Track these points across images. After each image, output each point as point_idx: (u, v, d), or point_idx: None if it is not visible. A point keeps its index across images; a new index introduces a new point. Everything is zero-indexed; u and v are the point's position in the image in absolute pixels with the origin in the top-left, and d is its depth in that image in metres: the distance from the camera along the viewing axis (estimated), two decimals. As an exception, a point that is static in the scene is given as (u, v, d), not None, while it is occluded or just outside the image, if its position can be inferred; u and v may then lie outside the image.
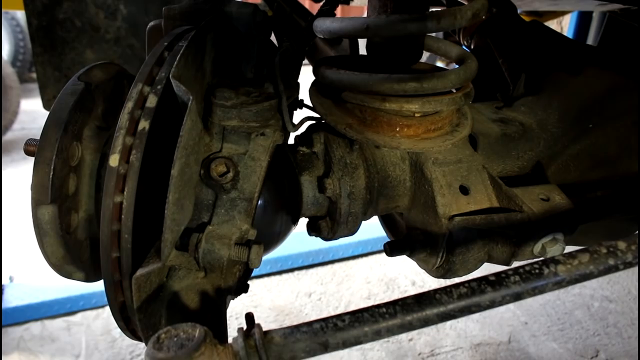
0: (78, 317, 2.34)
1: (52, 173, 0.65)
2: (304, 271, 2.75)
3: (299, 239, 2.83)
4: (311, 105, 0.78)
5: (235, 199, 0.67)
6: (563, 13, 2.34)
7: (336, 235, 0.81)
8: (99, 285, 0.87)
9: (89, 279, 0.77)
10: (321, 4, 0.97)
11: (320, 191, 0.78)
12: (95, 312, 2.37)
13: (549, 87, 0.91)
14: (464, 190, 0.78)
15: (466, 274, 0.82)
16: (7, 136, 4.67)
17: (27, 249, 2.74)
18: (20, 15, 6.55)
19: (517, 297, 0.56)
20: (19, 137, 4.99)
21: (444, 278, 0.83)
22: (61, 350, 2.16)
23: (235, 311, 2.45)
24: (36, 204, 0.66)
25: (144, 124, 0.60)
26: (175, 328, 0.52)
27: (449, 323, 2.43)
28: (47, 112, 0.69)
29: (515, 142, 0.85)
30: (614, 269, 0.57)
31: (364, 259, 2.77)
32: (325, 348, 0.53)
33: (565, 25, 3.38)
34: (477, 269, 0.81)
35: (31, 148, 0.70)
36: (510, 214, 0.74)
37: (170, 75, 0.60)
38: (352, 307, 2.50)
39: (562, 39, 1.01)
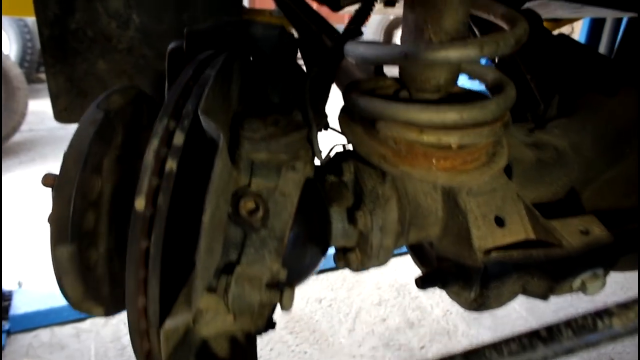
0: (87, 323, 2.31)
1: (72, 211, 0.62)
2: (313, 277, 2.72)
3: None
4: (340, 131, 0.75)
5: (265, 237, 0.63)
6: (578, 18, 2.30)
7: (365, 268, 0.78)
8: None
9: (108, 313, 0.74)
10: (347, 13, 0.93)
11: (350, 222, 0.75)
12: (104, 319, 2.35)
13: (582, 109, 0.87)
14: (500, 222, 0.75)
15: (500, 307, 0.78)
16: (15, 138, 4.64)
17: (36, 254, 2.72)
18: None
19: (570, 351, 0.52)
20: (27, 138, 4.96)
21: (476, 311, 0.79)
22: (70, 358, 2.14)
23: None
24: (55, 242, 0.63)
25: (170, 164, 0.57)
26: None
27: (460, 330, 2.41)
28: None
29: (550, 168, 0.81)
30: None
31: (375, 264, 2.73)
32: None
33: (577, 27, 3.33)
34: (510, 301, 0.78)
35: (50, 182, 0.66)
36: (550, 249, 0.70)
37: (200, 111, 0.56)
38: (363, 314, 2.48)
39: (594, 54, 0.97)
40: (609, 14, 1.69)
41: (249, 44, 0.73)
